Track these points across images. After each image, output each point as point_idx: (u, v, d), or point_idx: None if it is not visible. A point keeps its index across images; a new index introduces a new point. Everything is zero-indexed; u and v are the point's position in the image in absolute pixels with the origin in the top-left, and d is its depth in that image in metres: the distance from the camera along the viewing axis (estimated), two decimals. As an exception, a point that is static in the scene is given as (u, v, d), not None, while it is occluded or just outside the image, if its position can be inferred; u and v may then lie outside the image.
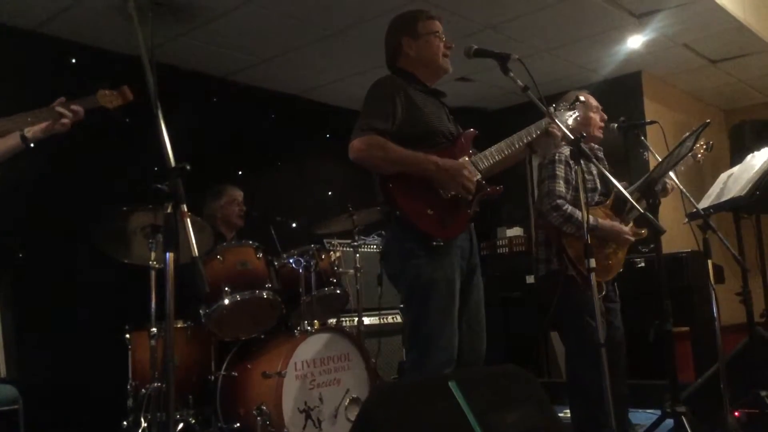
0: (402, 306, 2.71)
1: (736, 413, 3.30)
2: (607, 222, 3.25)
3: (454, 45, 2.80)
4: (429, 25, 2.74)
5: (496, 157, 2.68)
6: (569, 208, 3.18)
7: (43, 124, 2.47)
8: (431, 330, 2.48)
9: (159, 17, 4.35)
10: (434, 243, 2.48)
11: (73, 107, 2.48)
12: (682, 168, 3.56)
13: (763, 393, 3.33)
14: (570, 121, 2.91)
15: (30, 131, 2.49)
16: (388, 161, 2.50)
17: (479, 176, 2.63)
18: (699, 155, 3.68)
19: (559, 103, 3.06)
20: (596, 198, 3.37)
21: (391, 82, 2.67)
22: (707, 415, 3.25)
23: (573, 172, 3.28)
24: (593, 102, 3.51)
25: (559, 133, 2.74)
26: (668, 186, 3.49)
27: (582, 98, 3.13)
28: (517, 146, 2.73)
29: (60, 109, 2.45)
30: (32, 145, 2.54)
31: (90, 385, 4.05)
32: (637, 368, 3.66)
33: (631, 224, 3.36)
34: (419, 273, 2.50)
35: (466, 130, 2.77)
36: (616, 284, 3.44)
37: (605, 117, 3.53)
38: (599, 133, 3.50)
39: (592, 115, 3.46)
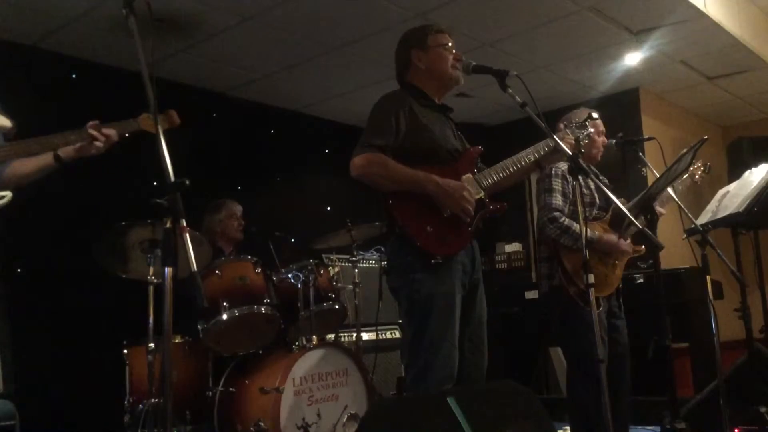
0: (401, 321, 2.70)
1: (736, 430, 3.28)
2: (605, 236, 3.25)
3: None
4: (439, 38, 2.73)
5: (501, 174, 2.67)
6: (566, 220, 3.17)
7: (77, 145, 2.42)
8: (431, 345, 2.46)
9: (160, 33, 4.38)
10: (433, 261, 2.47)
11: (105, 131, 2.42)
12: (680, 187, 3.56)
13: (763, 409, 3.32)
14: (582, 138, 2.88)
15: (63, 151, 2.46)
16: (388, 179, 2.50)
17: (482, 194, 2.61)
18: (697, 176, 3.69)
19: (571, 119, 3.04)
20: (594, 212, 3.36)
21: (396, 97, 2.66)
22: (706, 431, 3.24)
23: (570, 186, 3.27)
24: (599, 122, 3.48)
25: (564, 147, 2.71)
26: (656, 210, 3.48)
27: (595, 115, 3.13)
28: (523, 163, 2.72)
29: (92, 131, 2.40)
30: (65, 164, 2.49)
31: (87, 401, 4.03)
32: (636, 384, 3.65)
33: (629, 240, 3.36)
34: (419, 288, 2.49)
35: (472, 146, 2.75)
36: (621, 300, 3.43)
37: (606, 141, 3.52)
38: (599, 150, 3.48)
39: (595, 136, 3.44)
